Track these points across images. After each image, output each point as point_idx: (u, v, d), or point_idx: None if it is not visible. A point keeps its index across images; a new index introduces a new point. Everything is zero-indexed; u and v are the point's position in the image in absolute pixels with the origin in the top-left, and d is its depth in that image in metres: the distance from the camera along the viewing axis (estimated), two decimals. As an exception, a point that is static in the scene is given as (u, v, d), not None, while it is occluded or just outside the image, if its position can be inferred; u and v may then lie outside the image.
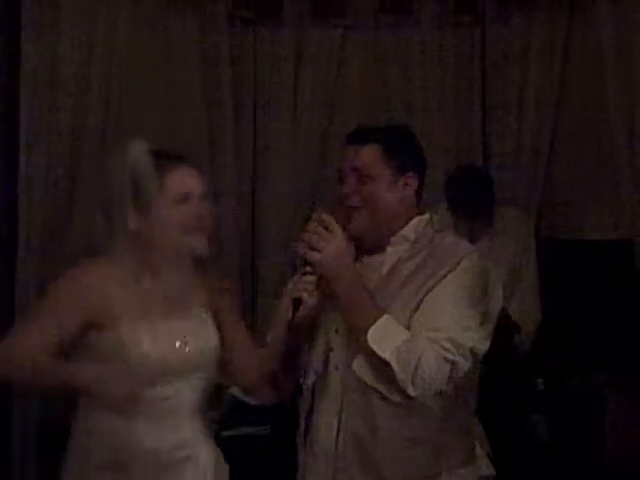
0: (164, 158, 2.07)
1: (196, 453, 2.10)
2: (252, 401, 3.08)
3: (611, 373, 3.36)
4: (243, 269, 3.89)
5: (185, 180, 2.08)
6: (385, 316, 2.07)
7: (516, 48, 3.73)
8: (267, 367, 2.17)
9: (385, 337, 2.06)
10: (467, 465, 2.20)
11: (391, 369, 2.03)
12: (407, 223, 2.22)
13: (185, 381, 2.08)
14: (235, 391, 3.06)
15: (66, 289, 2.07)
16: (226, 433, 2.97)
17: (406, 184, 2.21)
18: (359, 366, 2.10)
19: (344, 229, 2.14)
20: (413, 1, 3.83)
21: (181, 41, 3.72)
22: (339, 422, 2.15)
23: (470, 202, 3.40)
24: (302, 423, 2.25)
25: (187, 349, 2.06)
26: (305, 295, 2.05)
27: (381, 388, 2.09)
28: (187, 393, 2.09)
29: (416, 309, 2.10)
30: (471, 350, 2.06)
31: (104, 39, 3.51)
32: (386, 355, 2.04)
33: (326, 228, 2.08)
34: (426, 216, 2.25)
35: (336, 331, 2.17)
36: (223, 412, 3.03)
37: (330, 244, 2.06)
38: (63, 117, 3.46)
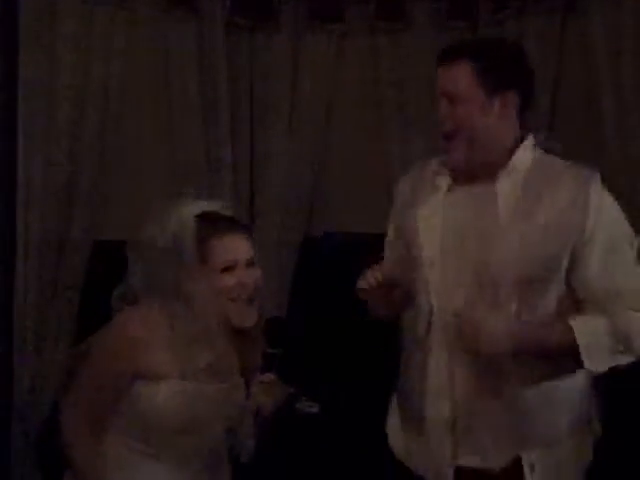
0: (212, 223, 2.05)
1: None
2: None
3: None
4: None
5: (231, 248, 2.05)
6: (577, 335, 1.96)
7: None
8: None
9: (596, 353, 1.97)
10: (588, 426, 2.15)
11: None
12: (513, 149, 2.05)
13: (201, 438, 2.09)
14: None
15: (116, 341, 2.07)
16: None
17: (504, 104, 2.03)
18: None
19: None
20: (408, 7, 3.85)
21: (179, 50, 3.73)
22: (452, 388, 2.06)
23: None
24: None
25: (214, 422, 2.07)
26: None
27: None
28: (201, 448, 2.10)
29: (560, 259, 1.97)
30: None
31: (101, 48, 3.52)
32: (609, 366, 2.00)
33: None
34: (529, 141, 2.08)
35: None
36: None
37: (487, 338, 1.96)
38: (61, 127, 3.47)
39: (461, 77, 2.02)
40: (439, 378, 2.10)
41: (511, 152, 2.07)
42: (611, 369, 2.07)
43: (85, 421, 2.09)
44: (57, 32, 3.46)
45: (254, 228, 3.88)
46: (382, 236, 2.41)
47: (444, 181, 2.14)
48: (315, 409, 3.20)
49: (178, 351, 2.03)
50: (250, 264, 2.08)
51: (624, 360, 2.02)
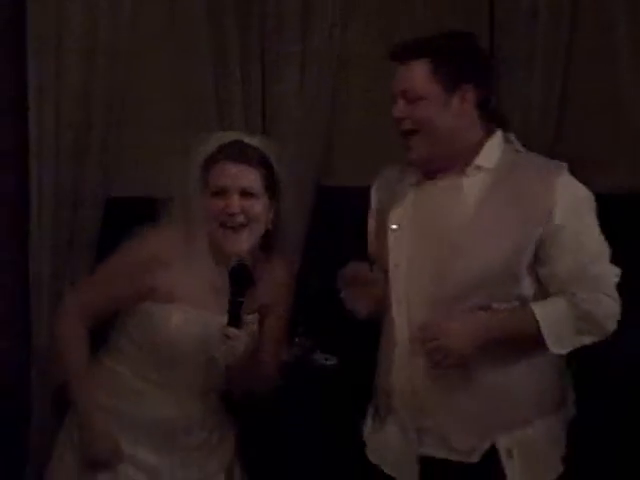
0: (221, 150, 2.11)
1: (198, 424, 2.15)
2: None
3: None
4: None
5: (222, 175, 2.09)
6: (538, 318, 1.99)
7: (524, 4, 3.67)
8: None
9: (560, 334, 2.00)
10: (559, 409, 2.16)
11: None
12: (481, 143, 2.06)
13: (203, 370, 2.11)
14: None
15: (138, 253, 2.14)
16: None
17: (463, 99, 2.04)
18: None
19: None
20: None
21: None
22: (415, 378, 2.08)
23: None
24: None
25: (215, 346, 2.09)
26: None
27: None
28: (202, 380, 2.13)
29: (524, 246, 1.99)
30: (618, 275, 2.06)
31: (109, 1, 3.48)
32: (576, 345, 2.03)
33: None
34: (497, 138, 2.09)
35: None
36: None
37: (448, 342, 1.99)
38: (71, 81, 3.45)
39: (419, 75, 2.03)
40: (402, 369, 2.12)
41: (478, 146, 2.08)
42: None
43: (82, 309, 2.16)
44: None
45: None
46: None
47: (414, 176, 2.13)
48: (332, 361, 3.22)
49: (191, 274, 2.07)
50: (246, 194, 2.06)
51: (591, 339, 2.05)
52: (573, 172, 3.80)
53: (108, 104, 3.49)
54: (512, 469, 2.07)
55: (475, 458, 2.09)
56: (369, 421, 2.30)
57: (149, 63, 3.68)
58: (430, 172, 2.11)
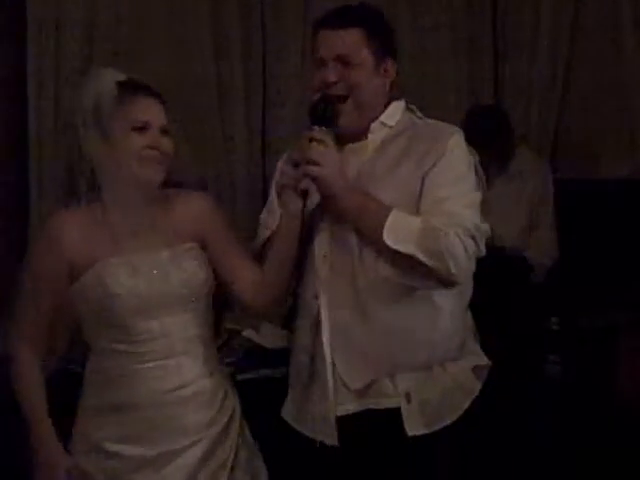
0: (131, 87, 2.07)
1: (200, 390, 2.12)
2: (268, 345, 3.10)
3: (626, 313, 3.37)
4: (254, 217, 3.88)
5: (145, 110, 2.06)
6: (393, 211, 2.02)
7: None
8: (275, 288, 2.17)
9: (401, 232, 2.01)
10: (459, 359, 2.19)
11: (420, 262, 2.00)
12: (385, 107, 2.17)
13: (170, 317, 2.09)
14: (250, 334, 3.09)
15: (41, 248, 2.11)
16: (241, 376, 2.98)
17: (385, 70, 2.15)
18: (384, 269, 2.06)
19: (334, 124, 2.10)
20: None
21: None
22: (318, 314, 2.12)
23: (486, 139, 3.29)
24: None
25: (157, 283, 2.06)
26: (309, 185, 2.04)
27: (417, 283, 2.06)
28: (177, 329, 2.10)
29: (415, 194, 2.06)
30: (480, 229, 2.04)
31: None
32: (409, 250, 2.00)
33: (321, 142, 2.05)
34: (402, 102, 2.21)
35: (324, 257, 2.14)
36: (238, 356, 3.05)
37: (328, 158, 2.03)
38: (70, 64, 3.46)
39: (355, 42, 2.11)
40: (310, 327, 2.16)
41: (384, 108, 2.19)
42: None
43: (28, 336, 2.13)
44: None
45: (267, 169, 3.89)
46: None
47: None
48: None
49: (102, 228, 2.07)
50: (164, 132, 2.09)
51: (424, 259, 2.00)
52: (575, 158, 3.90)
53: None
54: (410, 414, 2.11)
55: (373, 401, 2.12)
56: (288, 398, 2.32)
57: (149, 51, 3.68)
58: (345, 138, 2.18)
